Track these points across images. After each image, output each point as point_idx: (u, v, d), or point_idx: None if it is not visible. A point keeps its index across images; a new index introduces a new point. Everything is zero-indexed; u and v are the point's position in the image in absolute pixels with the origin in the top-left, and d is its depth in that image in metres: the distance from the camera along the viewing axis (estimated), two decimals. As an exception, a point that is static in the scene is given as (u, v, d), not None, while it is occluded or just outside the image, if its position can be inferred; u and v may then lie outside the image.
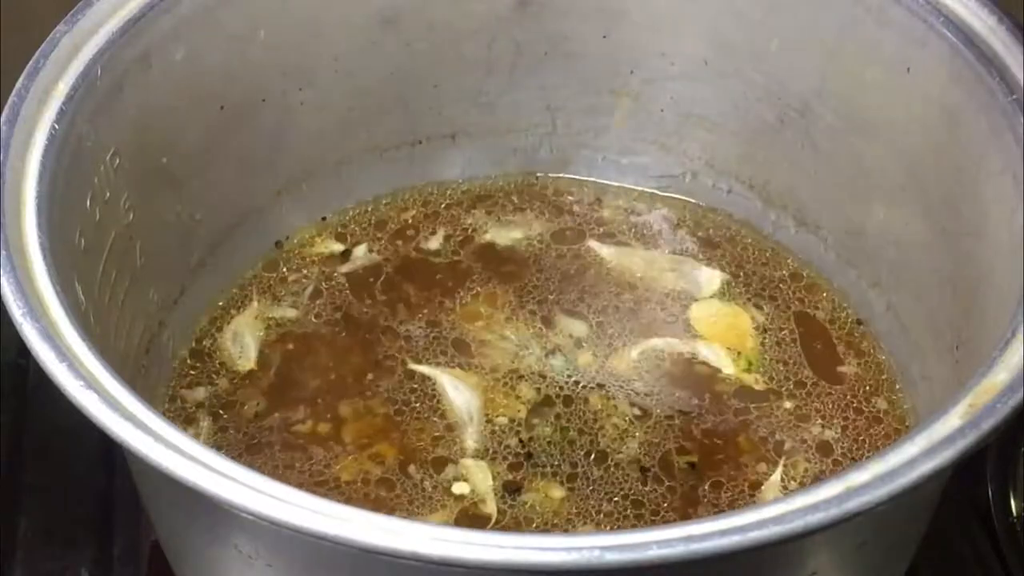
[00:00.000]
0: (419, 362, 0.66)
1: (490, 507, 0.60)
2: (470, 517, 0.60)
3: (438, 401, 0.64)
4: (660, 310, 0.69)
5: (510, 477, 0.61)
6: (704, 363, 0.66)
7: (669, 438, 0.63)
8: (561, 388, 0.65)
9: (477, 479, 0.61)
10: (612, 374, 0.66)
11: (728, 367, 0.66)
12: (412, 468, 0.62)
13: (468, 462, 0.62)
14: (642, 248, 0.72)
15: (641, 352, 0.67)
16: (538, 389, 0.65)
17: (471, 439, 0.62)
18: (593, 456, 0.62)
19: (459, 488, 0.61)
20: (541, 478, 0.61)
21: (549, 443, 0.62)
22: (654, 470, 0.61)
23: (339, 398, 0.65)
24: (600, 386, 0.65)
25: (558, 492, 0.60)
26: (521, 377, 0.65)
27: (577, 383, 0.65)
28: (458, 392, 0.64)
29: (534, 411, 0.64)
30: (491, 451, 0.62)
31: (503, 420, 0.63)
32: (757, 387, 0.66)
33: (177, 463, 0.44)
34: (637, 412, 0.64)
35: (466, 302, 0.69)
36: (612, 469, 0.61)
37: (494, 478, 0.61)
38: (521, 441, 0.62)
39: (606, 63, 0.72)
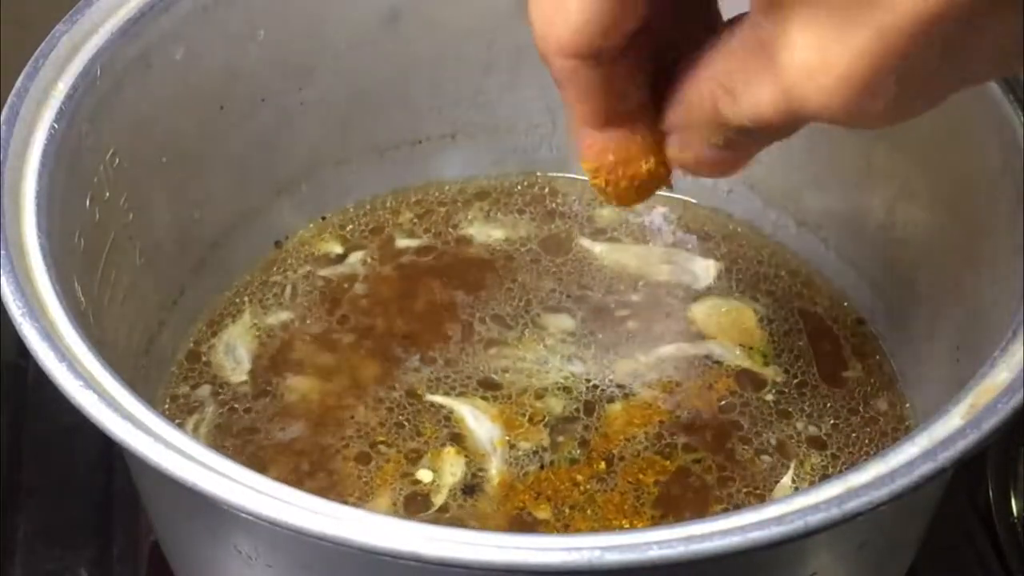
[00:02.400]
0: (421, 385, 0.65)
1: (438, 499, 0.60)
2: (415, 503, 0.60)
3: (445, 419, 0.63)
4: (661, 309, 0.69)
5: (472, 481, 0.61)
6: (719, 362, 0.66)
7: (685, 439, 0.63)
8: (581, 403, 0.64)
9: (444, 470, 0.61)
10: (626, 379, 0.65)
11: (744, 363, 0.66)
12: (384, 449, 0.62)
13: (448, 451, 0.62)
14: (635, 244, 0.72)
15: (652, 361, 0.66)
16: (562, 405, 0.64)
17: (495, 470, 0.61)
18: (605, 466, 0.61)
19: (423, 475, 0.61)
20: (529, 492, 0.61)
21: (571, 462, 0.62)
22: (666, 473, 0.61)
23: (337, 411, 0.64)
24: (621, 388, 0.65)
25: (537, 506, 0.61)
26: (540, 395, 0.64)
27: (596, 386, 0.65)
28: (479, 423, 0.63)
29: (556, 429, 0.63)
30: (512, 482, 0.61)
31: (527, 445, 0.62)
32: (778, 379, 0.65)
33: (177, 463, 0.44)
34: (655, 416, 0.63)
35: (470, 312, 0.68)
36: (618, 476, 0.61)
37: (463, 476, 0.61)
38: (542, 466, 0.61)
39: (606, 63, 0.71)
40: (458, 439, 0.62)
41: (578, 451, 0.62)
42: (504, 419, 0.63)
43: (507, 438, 0.62)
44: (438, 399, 0.64)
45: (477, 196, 0.75)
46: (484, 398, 0.64)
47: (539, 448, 0.62)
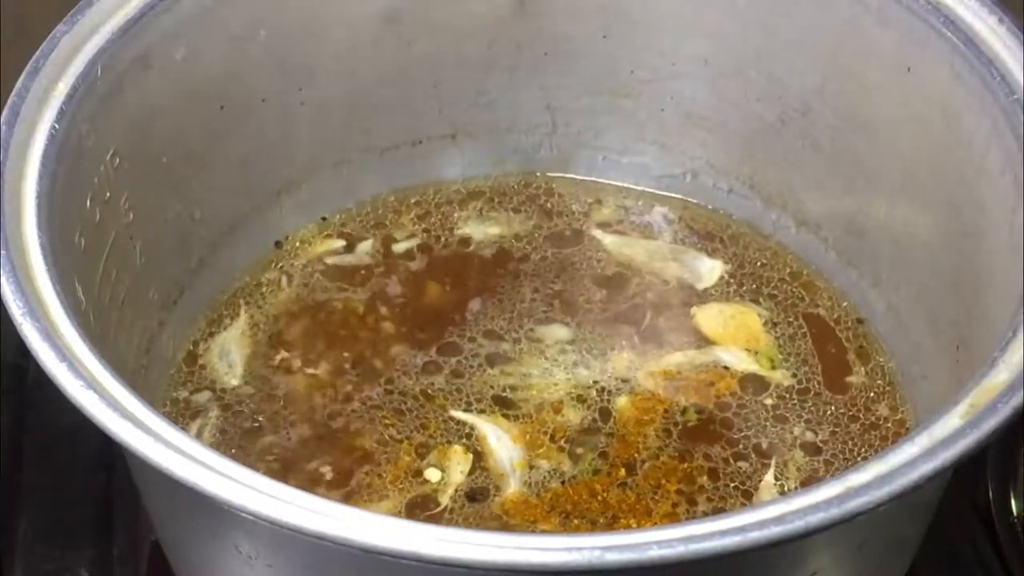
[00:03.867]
0: (437, 392, 0.65)
1: (443, 499, 0.60)
2: (419, 503, 0.60)
3: (466, 436, 0.63)
4: (666, 309, 0.69)
5: (475, 486, 0.61)
6: (727, 367, 0.66)
7: (692, 439, 0.63)
8: (596, 410, 0.64)
9: (453, 469, 0.61)
10: (629, 374, 0.65)
11: (752, 367, 0.66)
12: (391, 450, 0.62)
13: (456, 449, 0.62)
14: (643, 239, 0.72)
15: (660, 367, 0.66)
16: (580, 416, 0.63)
17: (511, 489, 0.61)
18: (625, 472, 0.61)
19: (431, 474, 0.61)
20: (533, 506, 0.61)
21: (593, 472, 0.61)
22: (675, 479, 0.61)
23: (338, 411, 0.64)
24: (626, 383, 0.65)
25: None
26: (558, 409, 0.64)
27: (604, 388, 0.65)
28: (500, 443, 0.62)
29: (576, 442, 0.62)
30: (526, 498, 0.61)
31: (546, 465, 0.62)
32: (785, 383, 0.65)
33: (177, 463, 0.44)
34: (660, 406, 0.63)
35: (470, 316, 0.68)
36: (639, 479, 0.61)
37: (468, 473, 0.61)
38: (563, 483, 0.61)
39: (606, 63, 0.72)
40: (480, 457, 0.62)
41: (599, 461, 0.62)
42: (526, 440, 0.63)
43: (527, 459, 0.62)
44: (459, 415, 0.64)
45: (477, 196, 0.75)
46: (505, 416, 0.64)
47: (558, 469, 0.62)
